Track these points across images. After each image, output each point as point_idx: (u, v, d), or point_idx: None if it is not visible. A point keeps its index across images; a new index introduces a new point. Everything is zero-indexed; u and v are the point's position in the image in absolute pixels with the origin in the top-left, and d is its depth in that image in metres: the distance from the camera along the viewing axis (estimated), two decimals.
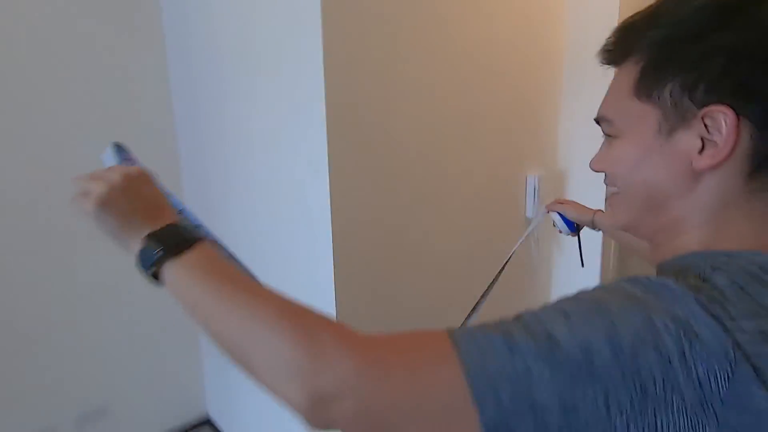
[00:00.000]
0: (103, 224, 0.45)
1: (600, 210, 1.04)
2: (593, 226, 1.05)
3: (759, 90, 0.34)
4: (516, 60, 1.58)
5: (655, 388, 0.29)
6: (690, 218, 0.39)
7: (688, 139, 0.37)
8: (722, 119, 0.35)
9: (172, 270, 0.42)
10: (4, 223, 1.57)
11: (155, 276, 0.43)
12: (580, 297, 0.34)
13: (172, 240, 0.43)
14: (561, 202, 1.11)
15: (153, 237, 0.43)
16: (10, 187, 1.56)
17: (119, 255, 1.54)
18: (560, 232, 1.12)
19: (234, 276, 0.41)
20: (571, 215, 1.07)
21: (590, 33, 1.77)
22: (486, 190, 1.59)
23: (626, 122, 0.42)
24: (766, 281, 0.32)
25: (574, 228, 1.09)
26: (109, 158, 0.52)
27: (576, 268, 1.39)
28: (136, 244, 0.44)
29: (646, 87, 0.39)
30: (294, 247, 1.32)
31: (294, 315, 0.36)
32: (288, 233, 1.33)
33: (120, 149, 0.52)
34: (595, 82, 1.97)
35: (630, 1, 1.75)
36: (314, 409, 0.32)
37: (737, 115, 0.35)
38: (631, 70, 0.41)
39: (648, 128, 0.40)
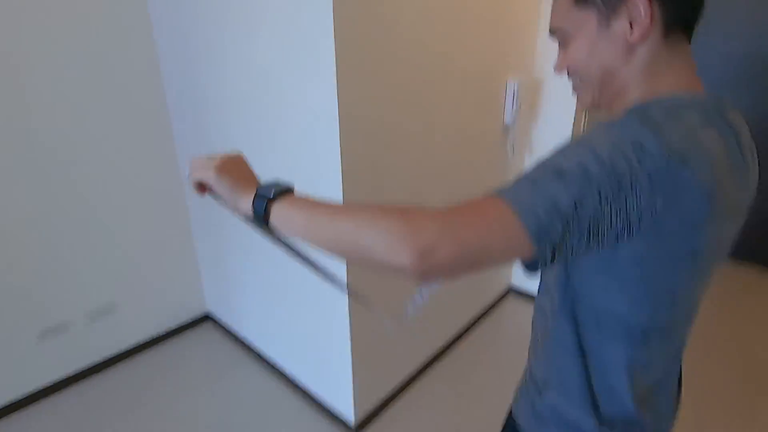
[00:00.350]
0: (220, 186, 0.59)
1: None
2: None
3: None
4: None
5: (625, 181, 0.44)
6: (633, 81, 0.55)
7: (620, 24, 0.53)
8: (639, 2, 0.51)
9: (282, 207, 0.54)
10: (17, 133, 1.53)
11: (265, 219, 0.55)
12: (569, 143, 0.52)
13: (277, 188, 0.55)
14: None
15: (263, 188, 0.56)
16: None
17: (123, 166, 1.55)
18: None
19: (329, 202, 0.53)
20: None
21: None
22: (473, 93, 1.73)
23: (574, 26, 0.56)
24: (683, 110, 0.49)
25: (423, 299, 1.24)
26: None
27: None
28: (248, 198, 0.56)
29: None
30: (301, 140, 1.41)
31: (386, 208, 0.47)
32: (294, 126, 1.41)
33: None
34: None
35: None
36: (422, 262, 0.43)
37: None
38: None
39: (591, 26, 0.55)
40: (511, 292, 2.59)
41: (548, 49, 2.01)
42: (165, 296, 2.15)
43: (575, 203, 0.44)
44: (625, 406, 0.60)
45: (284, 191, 0.56)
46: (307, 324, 1.68)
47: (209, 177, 0.59)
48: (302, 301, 1.66)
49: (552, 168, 0.46)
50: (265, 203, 0.54)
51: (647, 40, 0.53)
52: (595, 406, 0.62)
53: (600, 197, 0.44)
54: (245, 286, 1.96)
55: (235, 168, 0.60)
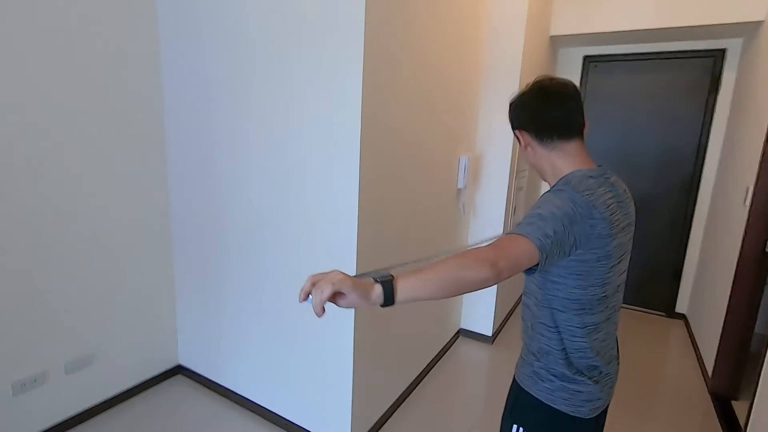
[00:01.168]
0: (354, 290, 0.73)
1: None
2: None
3: (521, 123, 1.02)
4: (455, 82, 2.26)
5: (573, 217, 0.84)
6: (546, 166, 1.00)
7: (523, 143, 1.03)
8: (518, 135, 1.04)
9: (401, 283, 0.75)
10: (9, 186, 1.61)
11: (391, 298, 0.75)
12: (540, 203, 0.96)
13: (389, 276, 0.77)
14: None
15: (380, 278, 0.76)
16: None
17: (108, 221, 1.76)
18: None
19: (420, 269, 0.78)
20: None
21: (499, 65, 2.55)
22: (438, 167, 2.22)
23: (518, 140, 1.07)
24: (586, 179, 0.91)
25: None
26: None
27: (484, 226, 2.08)
28: (375, 291, 0.75)
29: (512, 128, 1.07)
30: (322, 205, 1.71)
31: (462, 254, 0.78)
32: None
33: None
34: (499, 97, 2.89)
35: (528, 55, 2.57)
36: (495, 270, 0.75)
37: (520, 131, 1.03)
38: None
39: (518, 144, 1.07)
40: (461, 332, 2.98)
41: (487, 134, 2.61)
42: (142, 347, 2.15)
43: (554, 231, 0.85)
44: (587, 357, 0.98)
45: (392, 275, 0.80)
46: (303, 367, 1.85)
47: (347, 286, 0.73)
48: (297, 347, 1.85)
49: (537, 216, 0.87)
50: (390, 286, 0.75)
51: (535, 148, 1.03)
52: (569, 362, 0.98)
53: (564, 227, 0.86)
54: (231, 337, 2.08)
55: (349, 278, 0.77)
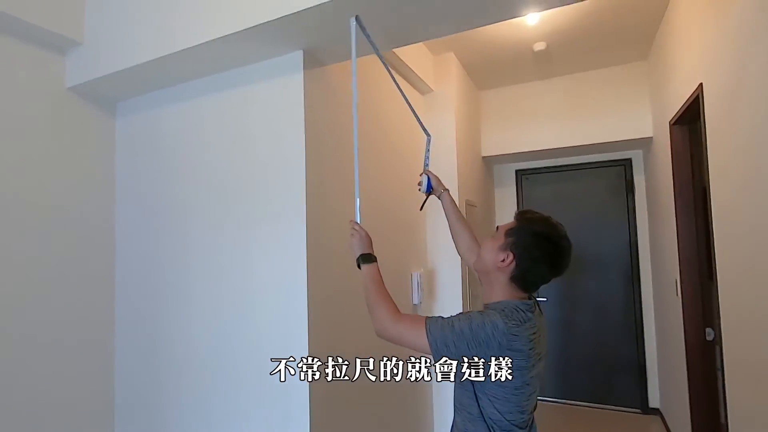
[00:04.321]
0: (354, 245, 1.23)
1: (448, 190, 1.57)
2: (439, 197, 1.57)
3: (524, 257, 1.06)
4: (400, 204, 2.47)
5: (486, 342, 0.95)
6: (496, 288, 1.09)
7: (502, 255, 1.07)
8: (508, 258, 1.06)
9: (364, 267, 1.18)
10: None
11: (360, 267, 1.19)
12: (461, 315, 1.06)
13: (366, 258, 1.19)
14: (433, 174, 1.60)
15: (363, 255, 1.20)
16: None
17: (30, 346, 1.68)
18: (419, 188, 1.57)
19: (378, 281, 1.15)
20: (434, 182, 1.57)
21: None
22: (393, 281, 2.29)
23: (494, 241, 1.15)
24: (517, 310, 1.02)
25: (430, 190, 1.56)
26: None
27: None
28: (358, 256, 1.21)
29: None
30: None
31: (384, 304, 1.08)
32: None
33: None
34: (442, 214, 2.98)
35: (463, 174, 2.89)
36: (379, 333, 1.06)
37: (515, 255, 1.06)
38: None
39: (505, 260, 1.10)
40: None
41: (436, 249, 2.78)
42: None
43: (453, 342, 0.96)
44: None
45: (370, 259, 1.19)
46: None
47: (355, 247, 1.23)
48: None
49: (450, 324, 0.99)
50: (360, 261, 1.20)
51: (503, 272, 1.08)
52: None
53: (467, 345, 0.96)
54: None
55: (363, 239, 1.23)
